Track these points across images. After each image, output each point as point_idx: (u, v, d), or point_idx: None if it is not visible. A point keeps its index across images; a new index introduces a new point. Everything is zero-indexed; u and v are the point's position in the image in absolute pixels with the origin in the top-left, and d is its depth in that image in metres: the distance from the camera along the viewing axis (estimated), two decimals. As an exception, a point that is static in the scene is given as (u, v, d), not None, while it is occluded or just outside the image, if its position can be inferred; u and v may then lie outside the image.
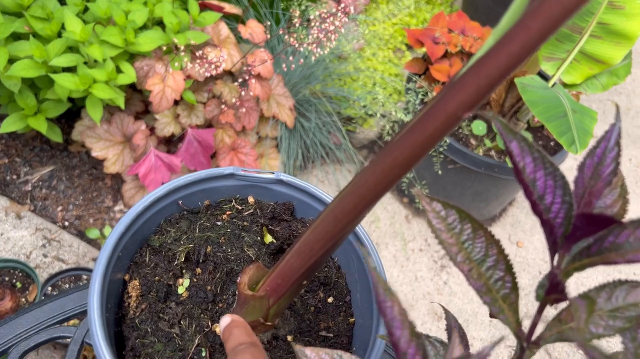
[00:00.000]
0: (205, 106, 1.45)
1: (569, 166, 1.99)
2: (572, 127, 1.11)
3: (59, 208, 1.57)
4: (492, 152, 1.52)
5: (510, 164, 1.43)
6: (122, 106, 1.29)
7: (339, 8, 1.00)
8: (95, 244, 1.53)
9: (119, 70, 1.30)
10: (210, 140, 1.44)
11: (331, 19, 1.02)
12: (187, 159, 1.45)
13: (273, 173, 0.54)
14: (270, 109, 1.54)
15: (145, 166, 1.38)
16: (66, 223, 1.55)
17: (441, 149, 1.46)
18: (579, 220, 0.29)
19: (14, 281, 1.33)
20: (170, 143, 1.55)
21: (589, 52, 1.37)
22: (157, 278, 0.49)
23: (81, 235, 1.54)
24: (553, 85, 1.42)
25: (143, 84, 1.35)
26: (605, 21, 1.32)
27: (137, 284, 0.48)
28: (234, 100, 1.37)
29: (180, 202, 0.54)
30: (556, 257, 0.32)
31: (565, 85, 1.43)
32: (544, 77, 1.62)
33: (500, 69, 0.25)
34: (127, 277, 0.50)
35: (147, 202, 0.49)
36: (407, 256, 1.68)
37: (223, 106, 1.41)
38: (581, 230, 0.30)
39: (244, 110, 1.44)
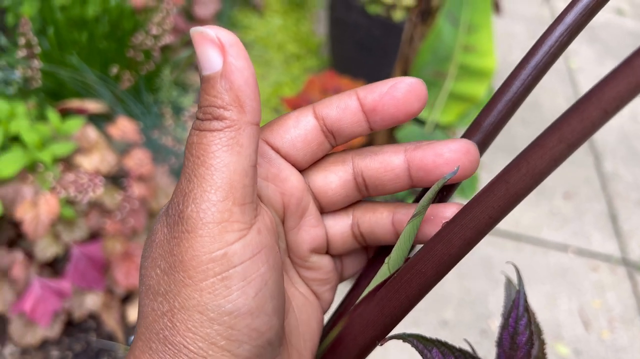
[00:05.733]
0: (87, 217, 1.34)
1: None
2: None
3: None
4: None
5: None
6: (-10, 243, 1.15)
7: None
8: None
9: (-22, 204, 1.16)
10: (99, 253, 1.32)
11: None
12: (77, 278, 1.32)
13: None
14: (160, 204, 1.45)
15: (30, 299, 1.23)
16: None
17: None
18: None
19: None
20: (55, 264, 1.40)
21: (456, 92, 1.45)
22: None
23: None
24: (434, 128, 1.48)
25: (11, 211, 1.22)
26: (464, 63, 1.41)
27: None
28: (117, 209, 1.27)
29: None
30: None
31: (442, 126, 1.50)
32: (420, 120, 1.69)
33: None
34: None
35: None
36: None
37: (107, 216, 1.31)
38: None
39: (129, 215, 1.34)
